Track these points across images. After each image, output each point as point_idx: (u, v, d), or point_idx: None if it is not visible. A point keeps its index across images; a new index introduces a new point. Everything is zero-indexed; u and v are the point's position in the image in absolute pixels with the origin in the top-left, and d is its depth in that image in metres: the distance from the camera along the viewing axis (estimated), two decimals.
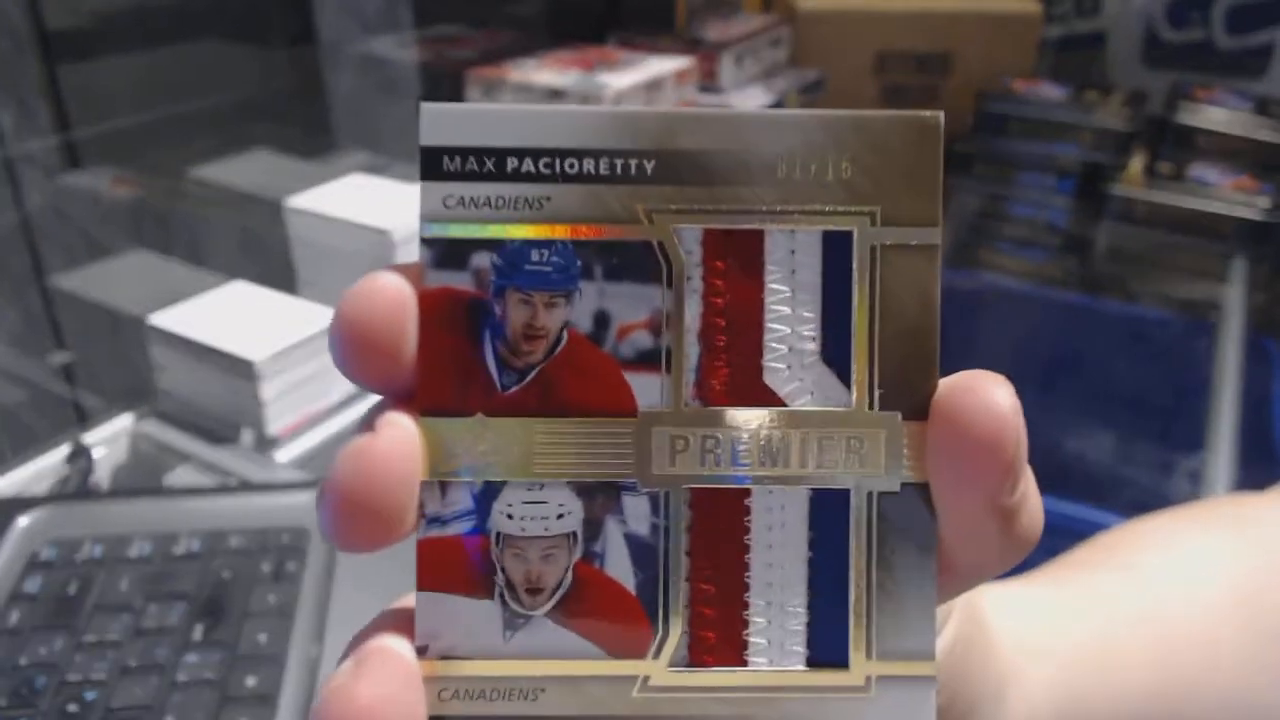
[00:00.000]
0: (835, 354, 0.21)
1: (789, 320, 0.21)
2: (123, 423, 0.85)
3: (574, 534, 0.21)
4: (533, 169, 0.20)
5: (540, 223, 0.20)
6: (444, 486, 0.21)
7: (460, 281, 0.21)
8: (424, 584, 0.21)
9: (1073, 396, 1.06)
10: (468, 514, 0.21)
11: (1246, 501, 0.42)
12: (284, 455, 0.82)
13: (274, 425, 0.81)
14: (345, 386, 0.86)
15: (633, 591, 0.21)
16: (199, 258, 1.19)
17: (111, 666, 0.54)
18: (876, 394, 0.21)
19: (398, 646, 0.20)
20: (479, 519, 0.21)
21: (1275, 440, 1.01)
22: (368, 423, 0.20)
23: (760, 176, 0.21)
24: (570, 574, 0.21)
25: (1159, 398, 1.06)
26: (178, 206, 1.21)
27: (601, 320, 0.21)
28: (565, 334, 0.21)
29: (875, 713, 0.21)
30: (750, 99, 1.37)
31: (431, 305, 0.20)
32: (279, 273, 0.96)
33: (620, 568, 0.21)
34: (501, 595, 0.21)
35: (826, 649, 0.21)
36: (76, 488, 0.77)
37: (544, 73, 1.24)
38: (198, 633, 0.56)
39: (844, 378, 0.21)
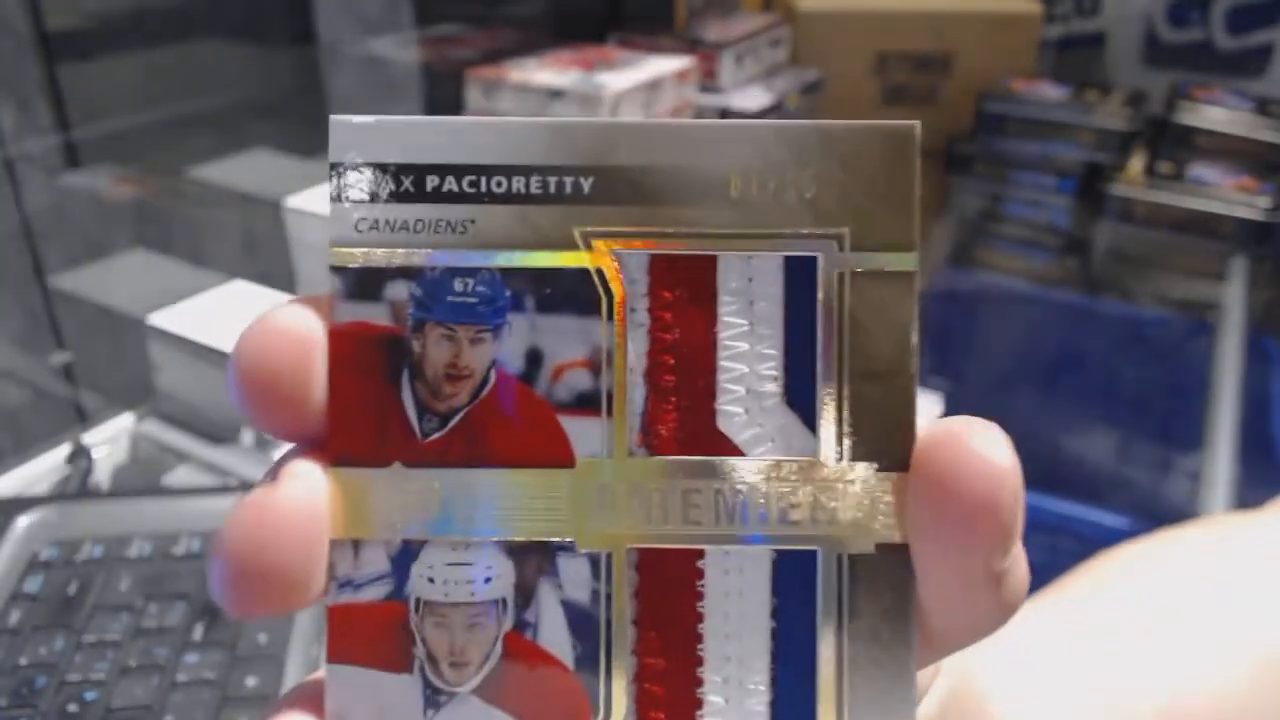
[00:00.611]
0: (799, 396, 0.19)
1: (746, 358, 0.19)
2: (123, 423, 0.85)
3: (503, 600, 0.19)
4: (455, 188, 0.18)
5: (464, 248, 0.18)
6: (357, 546, 0.18)
7: (375, 315, 0.18)
8: (335, 656, 0.18)
9: (1073, 396, 1.06)
10: (384, 577, 0.18)
11: (1225, 521, 0.42)
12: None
13: None
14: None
15: (570, 666, 0.19)
16: (199, 257, 1.19)
17: (111, 666, 0.54)
18: (846, 442, 0.18)
19: None
20: (396, 583, 0.18)
21: (1275, 440, 1.01)
22: (271, 474, 0.18)
23: (712, 195, 0.18)
24: (499, 646, 0.19)
25: (1159, 397, 1.06)
26: (178, 206, 1.21)
27: (534, 358, 0.19)
28: (493, 374, 0.18)
29: None
30: (750, 99, 1.37)
31: (342, 342, 0.18)
32: (279, 273, 0.95)
33: (556, 639, 0.19)
34: (422, 669, 0.18)
35: None
36: (76, 488, 0.77)
37: (544, 73, 1.24)
38: (198, 633, 0.56)
39: (809, 423, 0.19)
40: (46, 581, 0.60)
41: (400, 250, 0.18)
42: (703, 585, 0.19)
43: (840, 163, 0.18)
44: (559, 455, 0.18)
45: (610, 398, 0.18)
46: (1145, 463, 0.97)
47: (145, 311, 0.85)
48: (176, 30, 1.20)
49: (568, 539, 0.18)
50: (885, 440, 0.18)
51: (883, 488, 0.18)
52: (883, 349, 0.18)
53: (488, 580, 0.18)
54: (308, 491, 0.18)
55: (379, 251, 0.18)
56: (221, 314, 0.84)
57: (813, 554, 0.18)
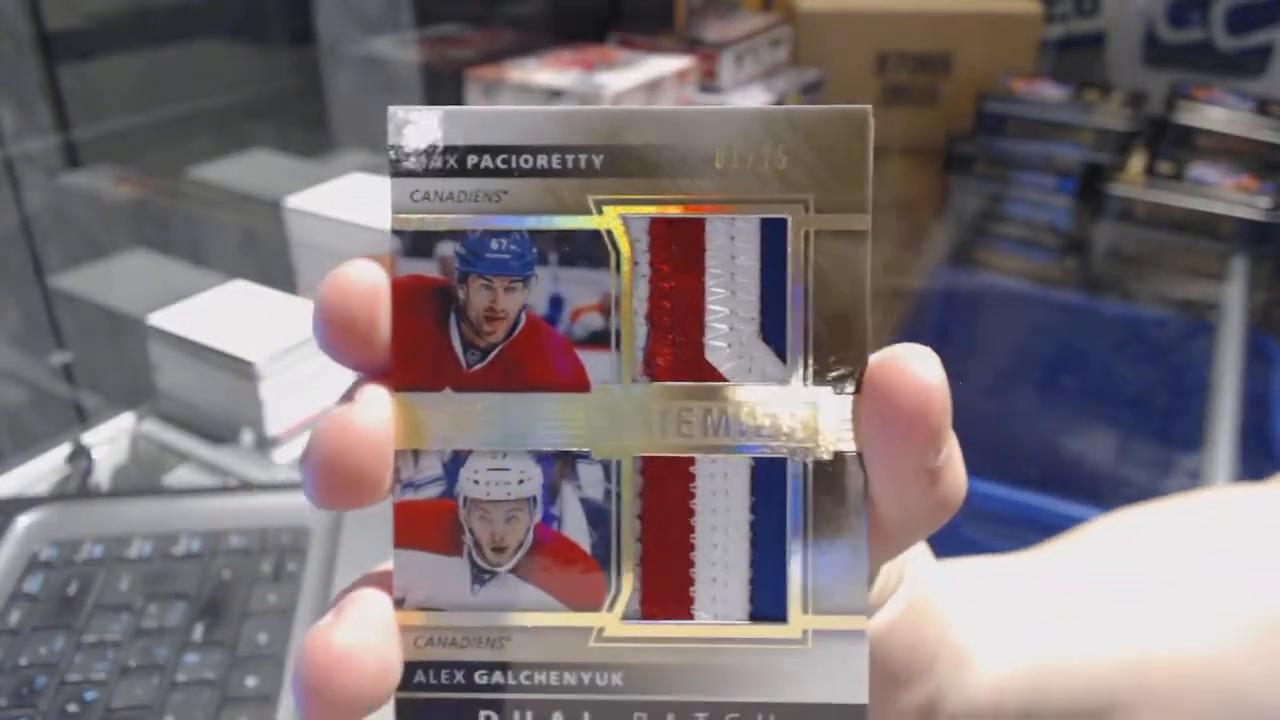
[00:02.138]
0: (772, 333, 0.22)
1: (729, 302, 0.22)
2: (123, 423, 0.85)
3: (534, 498, 0.22)
4: (491, 165, 0.22)
5: (499, 213, 0.22)
6: (416, 455, 0.22)
7: (428, 269, 0.22)
8: (400, 542, 0.22)
9: (1073, 396, 1.06)
10: (438, 480, 0.22)
11: (1233, 493, 0.42)
12: (284, 455, 0.82)
13: (274, 425, 0.81)
14: (344, 387, 0.86)
15: (588, 550, 0.23)
16: (199, 257, 1.19)
17: (111, 666, 0.54)
18: (810, 370, 0.22)
19: (376, 599, 0.22)
20: (448, 484, 0.22)
21: (1275, 439, 1.01)
22: (347, 396, 0.22)
23: (701, 168, 0.22)
24: (531, 534, 0.23)
25: (1159, 397, 1.07)
26: (178, 206, 1.21)
27: (556, 303, 0.22)
28: (523, 316, 0.22)
29: (811, 663, 0.22)
30: (750, 99, 1.37)
31: (402, 291, 0.22)
32: (279, 272, 0.96)
33: (576, 529, 0.23)
34: (469, 553, 0.23)
35: (766, 604, 0.23)
36: (77, 488, 0.77)
37: (544, 73, 1.24)
38: (198, 633, 0.56)
39: (781, 355, 0.22)
40: (46, 581, 0.60)
41: (447, 216, 0.22)
42: (694, 487, 0.23)
43: (807, 140, 0.22)
44: (577, 382, 0.22)
45: (618, 335, 0.22)
46: (1145, 462, 0.97)
47: (145, 311, 0.85)
48: (177, 30, 1.20)
49: (585, 449, 0.22)
50: (842, 367, 0.22)
51: (840, 406, 0.22)
52: (841, 293, 0.22)
53: (521, 482, 0.22)
54: (377, 411, 0.22)
55: (430, 217, 0.22)
56: (222, 314, 0.84)
57: (783, 461, 0.22)
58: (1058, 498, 0.81)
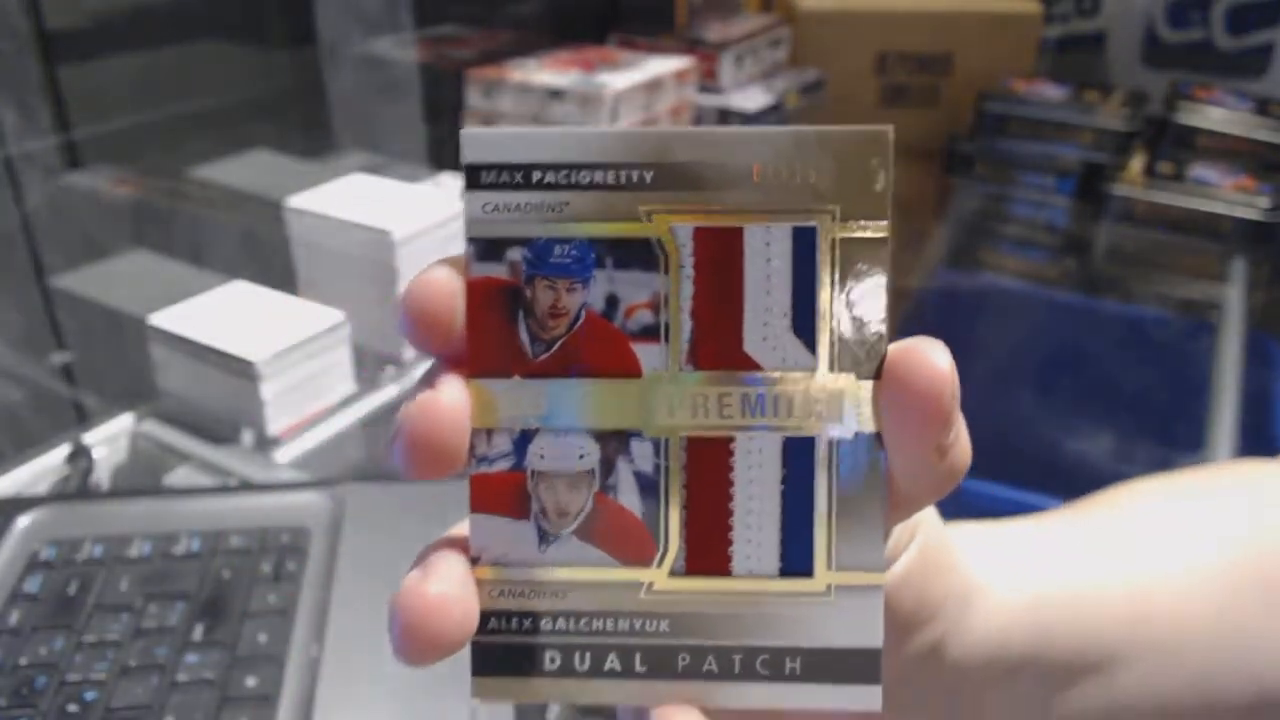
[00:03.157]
0: (803, 328, 0.25)
1: (764, 300, 0.25)
2: (123, 423, 0.86)
3: (593, 470, 0.25)
4: (554, 180, 0.25)
5: (561, 222, 0.25)
6: (489, 433, 0.25)
7: (498, 271, 0.25)
8: (476, 508, 0.25)
9: (1073, 396, 1.06)
10: (508, 455, 0.25)
11: (1258, 465, 0.43)
12: (284, 455, 0.82)
13: (274, 425, 0.82)
14: (345, 388, 0.87)
15: (639, 515, 0.26)
16: (199, 258, 1.19)
17: (111, 666, 0.55)
18: (837, 360, 0.25)
19: (456, 557, 0.25)
20: (517, 459, 0.25)
21: (1275, 439, 1.01)
22: (428, 381, 0.25)
23: (740, 182, 0.25)
24: (590, 502, 0.25)
25: (1159, 397, 1.07)
26: (178, 206, 1.21)
27: (612, 301, 0.25)
28: (583, 313, 0.25)
29: (833, 613, 0.25)
30: (750, 99, 1.37)
31: (476, 290, 0.25)
32: (279, 273, 0.96)
33: (629, 497, 0.25)
34: (536, 518, 0.26)
35: (795, 561, 0.25)
36: (77, 487, 0.77)
37: (544, 73, 1.24)
38: (198, 633, 0.57)
39: (810, 347, 0.25)
40: (46, 581, 0.60)
41: (516, 225, 0.25)
42: (732, 461, 0.25)
43: (834, 157, 0.25)
44: (631, 369, 0.25)
45: (667, 329, 0.25)
46: (1145, 462, 0.97)
47: (146, 312, 0.85)
48: (177, 30, 1.20)
49: (638, 428, 0.25)
50: (863, 357, 0.25)
51: (861, 391, 0.25)
52: (864, 292, 0.25)
53: (581, 457, 0.25)
54: (456, 394, 0.24)
55: (500, 226, 0.25)
56: (222, 314, 0.85)
57: (811, 439, 0.25)
58: (1057, 498, 0.81)
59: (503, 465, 0.25)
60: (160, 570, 0.61)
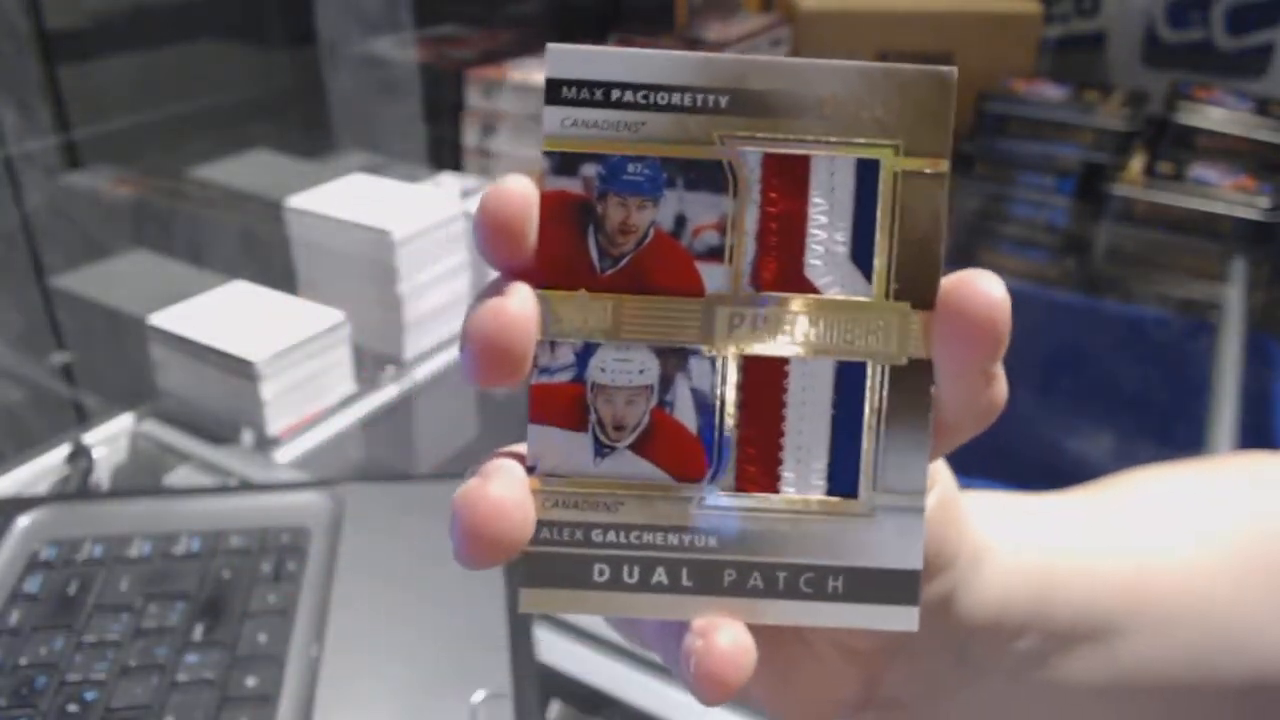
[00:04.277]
0: (861, 256, 0.26)
1: (826, 228, 0.26)
2: (123, 423, 0.86)
3: (652, 386, 0.26)
4: (632, 99, 0.25)
5: (636, 142, 0.25)
6: (553, 345, 0.26)
7: (572, 186, 0.25)
8: (535, 418, 0.26)
9: (1073, 396, 1.06)
10: (570, 366, 0.26)
11: (1266, 454, 0.43)
12: (284, 455, 0.83)
13: (274, 425, 0.82)
14: (344, 388, 0.87)
15: (694, 433, 0.26)
16: (199, 258, 1.19)
17: (111, 666, 0.55)
18: (893, 288, 0.26)
19: (513, 466, 0.26)
20: (578, 371, 0.26)
21: (1275, 439, 1.01)
22: (496, 289, 0.25)
23: (810, 113, 0.25)
24: (647, 417, 0.26)
25: (1159, 397, 1.07)
26: (178, 207, 1.22)
27: (680, 221, 0.26)
28: (652, 231, 0.26)
29: (877, 534, 0.26)
30: None
31: (550, 203, 0.25)
32: (279, 273, 0.96)
33: (686, 414, 0.26)
34: (593, 430, 0.26)
35: (841, 483, 0.26)
36: (77, 487, 0.77)
37: (544, 73, 1.24)
38: (198, 633, 0.57)
39: (867, 275, 0.26)
40: (46, 581, 0.60)
41: (592, 141, 0.25)
42: (786, 383, 0.26)
43: (900, 94, 0.25)
44: (694, 288, 0.26)
45: (731, 251, 0.26)
46: (1145, 462, 0.97)
47: (146, 312, 0.85)
48: (177, 31, 1.20)
49: (697, 346, 0.26)
50: (919, 286, 0.25)
51: (915, 319, 0.26)
52: (921, 225, 0.25)
53: (642, 372, 0.26)
54: (524, 303, 0.25)
55: (577, 141, 0.25)
56: (222, 314, 0.85)
57: (863, 365, 0.26)
58: None
59: (564, 377, 0.26)
60: (160, 570, 0.61)
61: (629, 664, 0.62)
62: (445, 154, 1.25)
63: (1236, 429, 0.95)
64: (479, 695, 0.54)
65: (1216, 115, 1.38)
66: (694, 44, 1.38)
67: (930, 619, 0.31)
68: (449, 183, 1.07)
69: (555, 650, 0.63)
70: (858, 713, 0.34)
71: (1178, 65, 1.58)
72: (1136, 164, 1.37)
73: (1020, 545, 0.35)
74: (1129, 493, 0.40)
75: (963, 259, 1.32)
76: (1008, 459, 0.90)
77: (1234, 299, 1.20)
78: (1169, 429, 1.02)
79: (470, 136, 1.24)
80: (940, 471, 0.30)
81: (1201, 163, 1.35)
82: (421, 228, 0.90)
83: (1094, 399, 1.06)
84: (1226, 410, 0.98)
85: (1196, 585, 0.37)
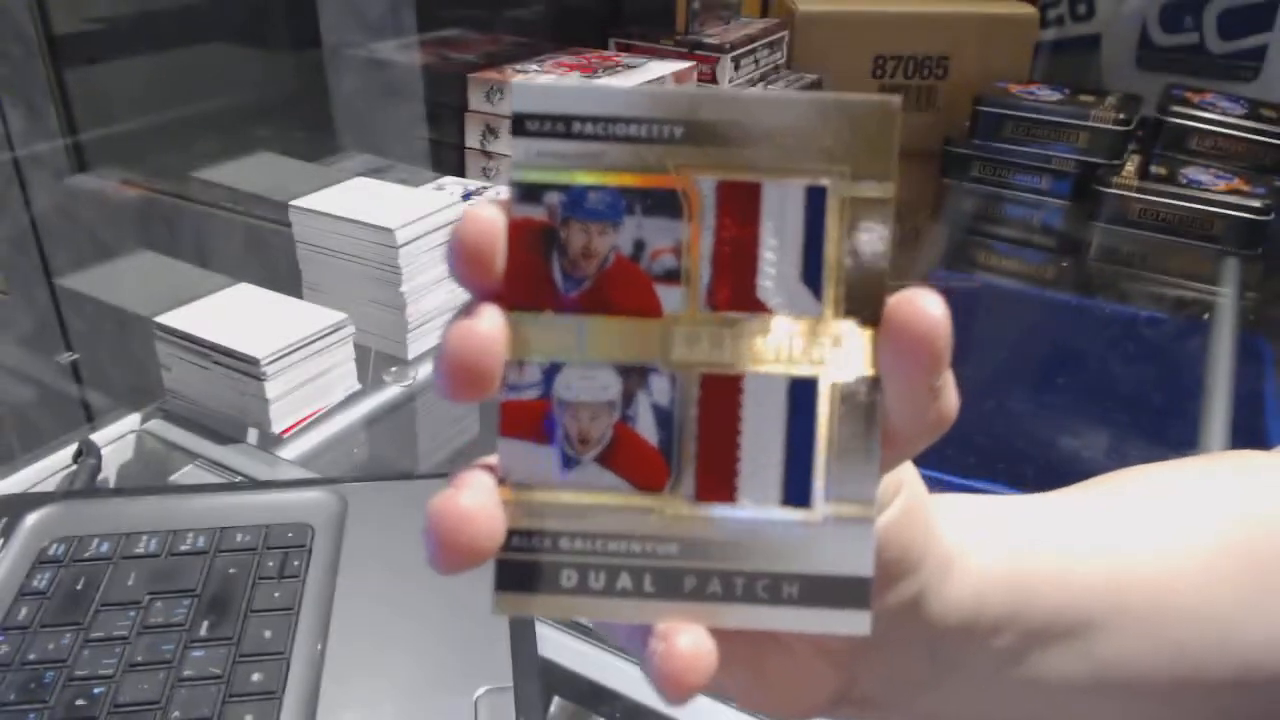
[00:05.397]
0: (811, 277, 0.27)
1: (777, 250, 0.27)
2: (130, 421, 0.86)
3: (614, 402, 0.27)
4: (592, 131, 0.26)
5: (596, 171, 0.26)
6: (521, 364, 0.27)
7: (537, 213, 0.27)
8: (505, 432, 0.27)
9: (1067, 396, 1.06)
10: (537, 384, 0.27)
11: (1256, 454, 0.44)
12: (289, 452, 0.83)
13: (279, 423, 0.82)
14: (348, 385, 0.87)
15: (655, 445, 0.27)
16: (205, 259, 1.19)
17: (118, 662, 0.55)
18: (842, 307, 0.27)
19: (485, 477, 0.27)
20: (545, 388, 0.27)
21: (1268, 438, 1.01)
22: (467, 311, 0.26)
23: (761, 141, 0.26)
24: (611, 431, 0.27)
25: (1153, 397, 1.07)
26: (184, 208, 1.22)
27: (639, 246, 0.27)
28: (612, 255, 0.27)
29: (829, 542, 0.27)
30: None
31: (517, 230, 0.26)
32: (284, 273, 0.96)
33: (647, 428, 0.27)
34: (560, 444, 0.27)
35: (795, 494, 0.27)
36: (84, 485, 0.78)
37: (545, 76, 1.24)
38: (203, 629, 0.57)
39: (817, 294, 0.27)
40: (54, 578, 0.61)
41: (555, 171, 0.26)
42: (742, 398, 0.27)
43: (847, 123, 0.26)
44: (652, 309, 0.27)
45: (688, 273, 0.27)
46: (1139, 461, 0.97)
47: (152, 312, 0.85)
48: (182, 34, 1.20)
49: (656, 364, 0.27)
50: (866, 305, 0.27)
51: (862, 337, 0.27)
52: (867, 247, 0.26)
53: (604, 388, 0.27)
54: (493, 324, 0.26)
55: (541, 172, 0.26)
56: (227, 315, 0.85)
57: (814, 381, 0.27)
58: None
59: (532, 394, 0.27)
60: (166, 567, 0.61)
61: (631, 660, 0.62)
62: (447, 156, 1.25)
63: (1229, 428, 0.95)
64: (481, 690, 0.54)
65: (1209, 118, 1.38)
66: (693, 48, 1.38)
67: (900, 620, 0.33)
68: (451, 185, 1.07)
69: (557, 646, 0.63)
70: (835, 708, 0.35)
71: (1171, 68, 1.58)
72: (1131, 166, 1.38)
73: (995, 547, 0.35)
74: (1114, 491, 0.40)
75: (959, 260, 1.32)
76: (1002, 458, 0.90)
77: (1227, 300, 1.20)
78: (1163, 428, 1.02)
79: (472, 139, 1.24)
80: (906, 477, 0.31)
81: (1195, 165, 1.35)
82: (425, 229, 0.91)
83: (1088, 398, 1.06)
84: (1219, 410, 0.98)
85: (1180, 582, 0.37)
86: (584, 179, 0.26)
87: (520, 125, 0.26)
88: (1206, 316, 1.18)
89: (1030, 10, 1.55)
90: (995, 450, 0.91)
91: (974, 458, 0.89)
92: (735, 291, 0.27)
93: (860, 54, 1.53)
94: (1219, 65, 1.57)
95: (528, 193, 0.27)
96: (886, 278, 0.27)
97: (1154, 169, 1.34)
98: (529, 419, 0.27)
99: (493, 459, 0.28)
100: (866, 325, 0.27)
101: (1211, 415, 0.97)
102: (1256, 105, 1.41)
